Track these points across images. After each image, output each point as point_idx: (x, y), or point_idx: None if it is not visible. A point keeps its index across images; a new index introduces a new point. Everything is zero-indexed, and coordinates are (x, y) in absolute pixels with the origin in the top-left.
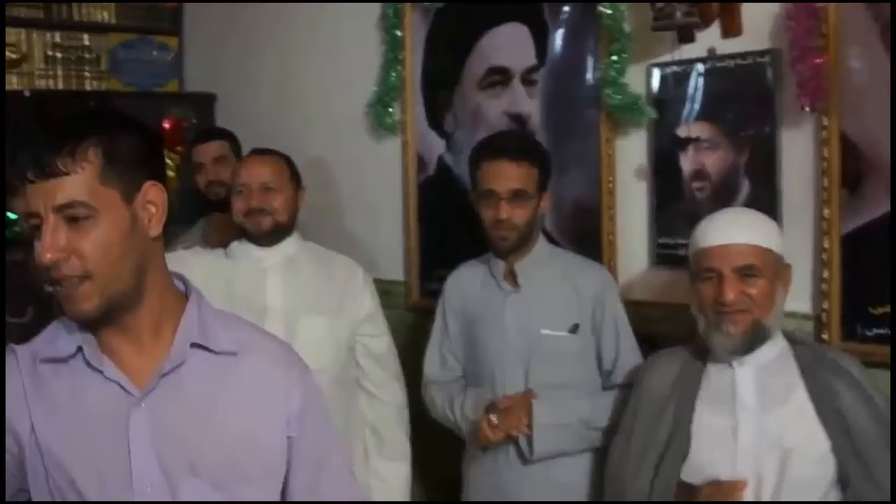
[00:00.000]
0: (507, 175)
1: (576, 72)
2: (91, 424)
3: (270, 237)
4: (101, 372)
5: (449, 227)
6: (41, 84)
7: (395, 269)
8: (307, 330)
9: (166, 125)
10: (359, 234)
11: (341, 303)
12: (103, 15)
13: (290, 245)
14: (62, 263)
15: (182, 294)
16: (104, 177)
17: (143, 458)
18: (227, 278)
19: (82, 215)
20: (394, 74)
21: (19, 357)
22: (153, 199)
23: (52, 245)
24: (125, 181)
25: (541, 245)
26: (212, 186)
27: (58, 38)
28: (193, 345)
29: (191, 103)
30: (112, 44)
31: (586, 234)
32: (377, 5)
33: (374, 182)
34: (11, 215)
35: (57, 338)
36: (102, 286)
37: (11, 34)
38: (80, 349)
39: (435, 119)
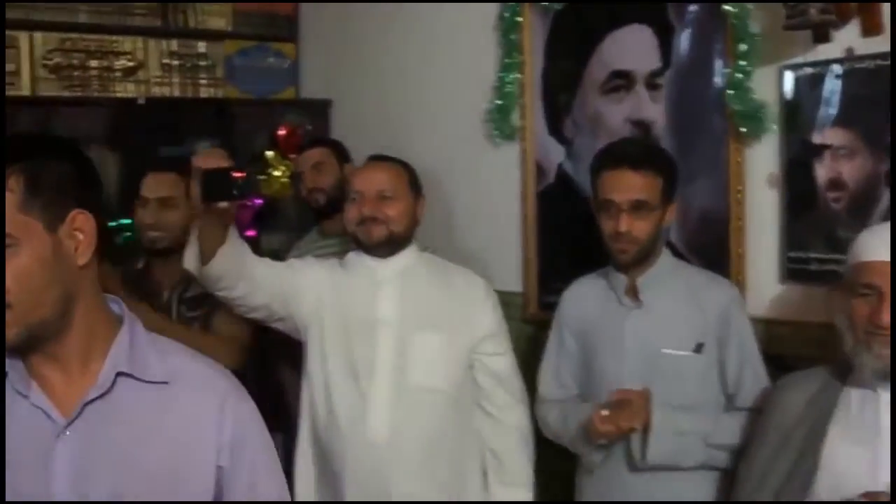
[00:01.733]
0: (629, 185)
1: (703, 75)
2: (15, 451)
3: (385, 247)
4: (27, 398)
5: (568, 237)
6: (157, 92)
7: (512, 280)
8: (421, 346)
9: (281, 132)
10: (475, 244)
11: (460, 318)
12: (219, 22)
13: (406, 256)
14: None
15: (118, 319)
16: (25, 206)
17: (64, 487)
18: (341, 290)
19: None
20: (512, 79)
21: None
22: (80, 227)
23: None
24: (48, 210)
25: (665, 259)
26: (312, 194)
27: (174, 45)
28: (122, 373)
29: (306, 110)
30: (228, 51)
31: (713, 247)
32: (494, 8)
33: (491, 190)
34: (125, 221)
35: None
36: (22, 315)
37: (127, 42)
38: (5, 374)
39: (554, 125)
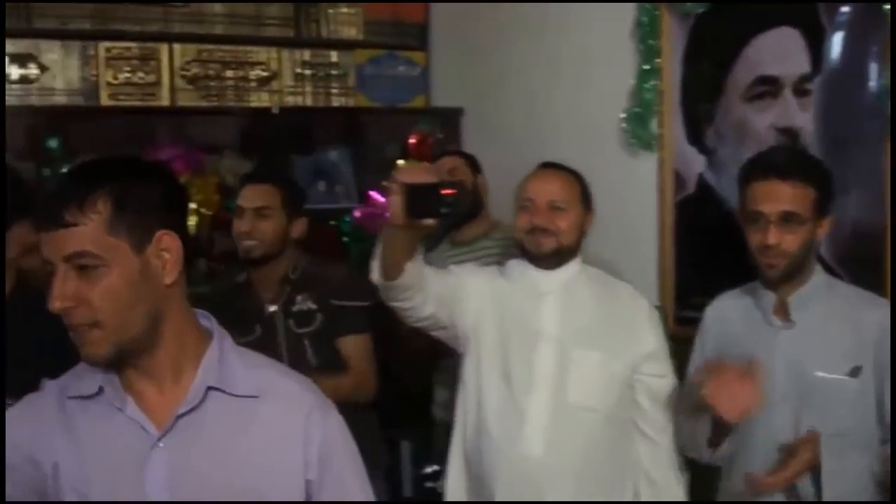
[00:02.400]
0: (778, 196)
1: (857, 79)
2: (111, 463)
3: (551, 259)
4: (122, 411)
5: (709, 250)
6: (290, 101)
7: (647, 295)
8: (581, 363)
9: (412, 140)
10: (609, 256)
11: (622, 337)
12: (351, 32)
13: (571, 269)
14: (72, 311)
15: (208, 333)
16: (112, 227)
17: (158, 498)
18: (501, 299)
19: (91, 265)
20: (650, 87)
21: (47, 392)
22: (167, 248)
23: (61, 294)
24: (135, 231)
25: (818, 276)
26: None
27: (306, 55)
28: (212, 387)
29: (437, 118)
30: (359, 60)
31: (867, 263)
32: (631, 14)
33: (628, 201)
34: None
35: (84, 375)
36: (111, 334)
37: (262, 52)
38: (101, 388)
39: (695, 134)
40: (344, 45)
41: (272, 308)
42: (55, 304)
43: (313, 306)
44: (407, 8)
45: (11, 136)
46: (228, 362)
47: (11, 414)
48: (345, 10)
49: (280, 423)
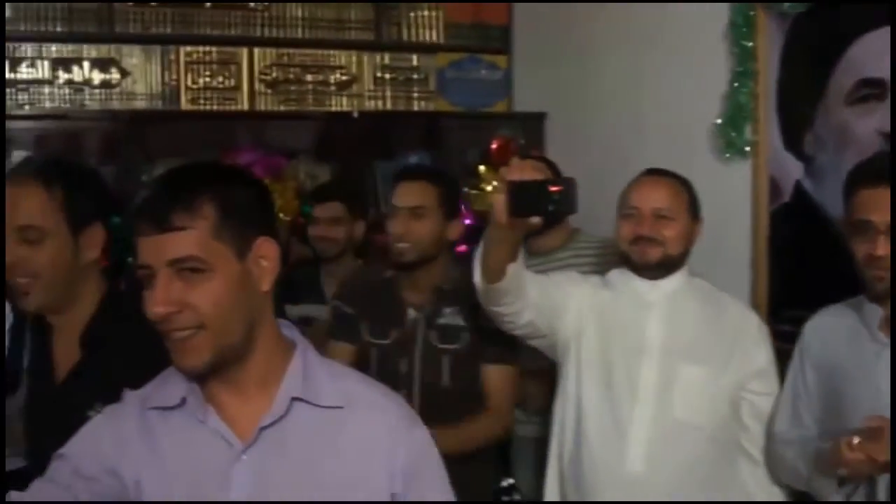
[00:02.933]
0: (888, 204)
1: None
2: (194, 475)
3: (656, 270)
4: (204, 423)
5: (806, 262)
6: (370, 105)
7: None
8: (687, 379)
9: (494, 146)
10: (698, 266)
11: (730, 351)
12: (432, 35)
13: (676, 280)
14: (174, 316)
15: (291, 344)
16: (218, 232)
17: None
18: (604, 310)
19: (196, 269)
20: (744, 90)
21: (129, 402)
22: (265, 254)
23: (164, 298)
24: (238, 236)
25: None
26: None
27: (387, 59)
28: (296, 398)
29: (519, 123)
30: (440, 64)
31: None
32: (724, 13)
33: (719, 209)
34: None
35: (165, 385)
36: (215, 339)
37: (342, 56)
38: (184, 399)
39: (792, 140)
40: (425, 49)
41: (415, 315)
42: (158, 310)
43: (462, 323)
44: (489, 10)
45: (92, 139)
46: (313, 372)
47: (94, 424)
48: (426, 12)
49: (365, 434)
